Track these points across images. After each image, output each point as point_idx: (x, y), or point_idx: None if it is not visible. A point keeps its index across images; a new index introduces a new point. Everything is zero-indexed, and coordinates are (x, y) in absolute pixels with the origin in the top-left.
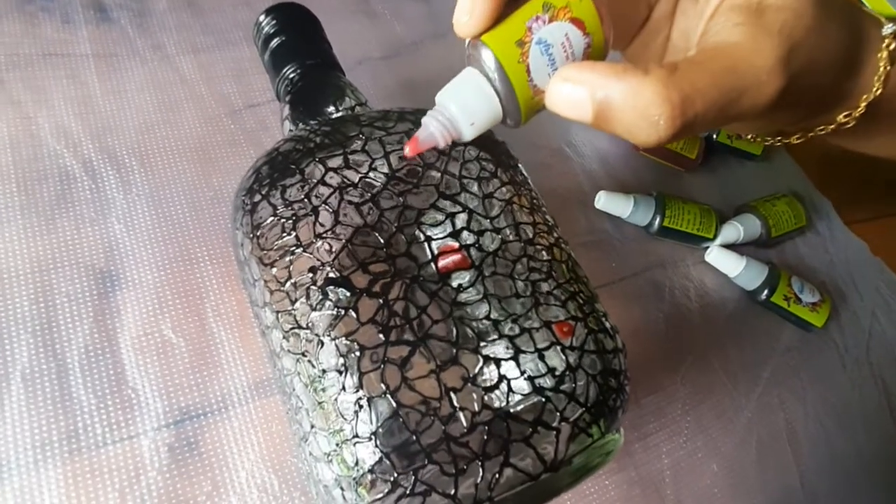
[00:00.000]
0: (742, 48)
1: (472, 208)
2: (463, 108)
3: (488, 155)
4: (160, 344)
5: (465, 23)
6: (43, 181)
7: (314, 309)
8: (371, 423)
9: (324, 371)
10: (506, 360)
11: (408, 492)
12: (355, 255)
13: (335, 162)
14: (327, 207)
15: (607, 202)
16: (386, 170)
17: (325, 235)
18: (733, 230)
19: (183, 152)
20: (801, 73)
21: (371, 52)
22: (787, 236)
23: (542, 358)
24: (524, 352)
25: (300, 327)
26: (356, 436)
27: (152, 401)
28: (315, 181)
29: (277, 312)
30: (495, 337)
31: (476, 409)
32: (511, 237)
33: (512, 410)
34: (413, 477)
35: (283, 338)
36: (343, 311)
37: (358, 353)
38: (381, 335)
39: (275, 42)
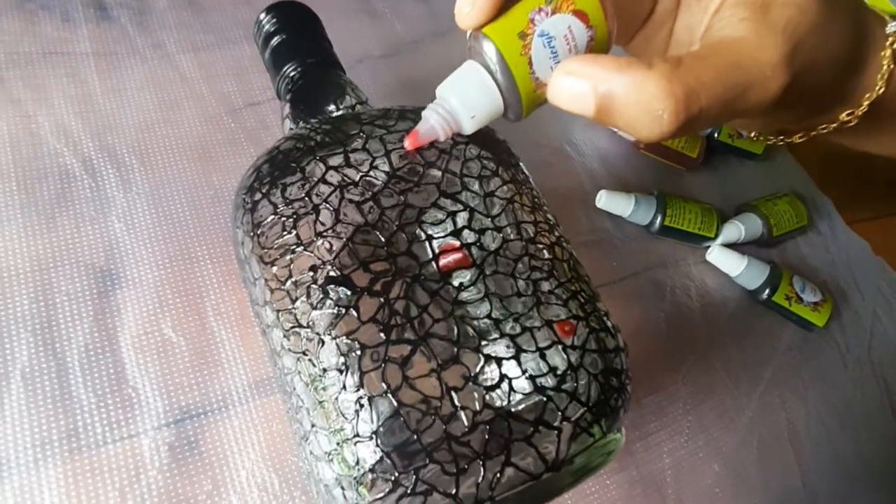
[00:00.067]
0: (747, 43)
1: (473, 207)
2: (464, 100)
3: (489, 153)
4: (160, 343)
5: (467, 14)
6: (43, 180)
7: (315, 308)
8: (372, 422)
9: (324, 370)
10: (507, 359)
11: (409, 491)
12: (356, 254)
13: (336, 160)
14: (328, 206)
15: (608, 201)
16: (387, 168)
17: (325, 234)
18: (734, 229)
19: (183, 151)
20: (805, 70)
21: (371, 51)
22: (788, 236)
23: (543, 357)
24: (525, 351)
25: (301, 326)
26: (357, 435)
27: (152, 400)
28: (316, 179)
29: (278, 311)
30: (496, 336)
31: (477, 408)
32: (512, 236)
33: (513, 409)
34: (414, 476)
35: (284, 336)
36: (344, 310)
37: (359, 352)
38: (381, 334)
39: (275, 40)
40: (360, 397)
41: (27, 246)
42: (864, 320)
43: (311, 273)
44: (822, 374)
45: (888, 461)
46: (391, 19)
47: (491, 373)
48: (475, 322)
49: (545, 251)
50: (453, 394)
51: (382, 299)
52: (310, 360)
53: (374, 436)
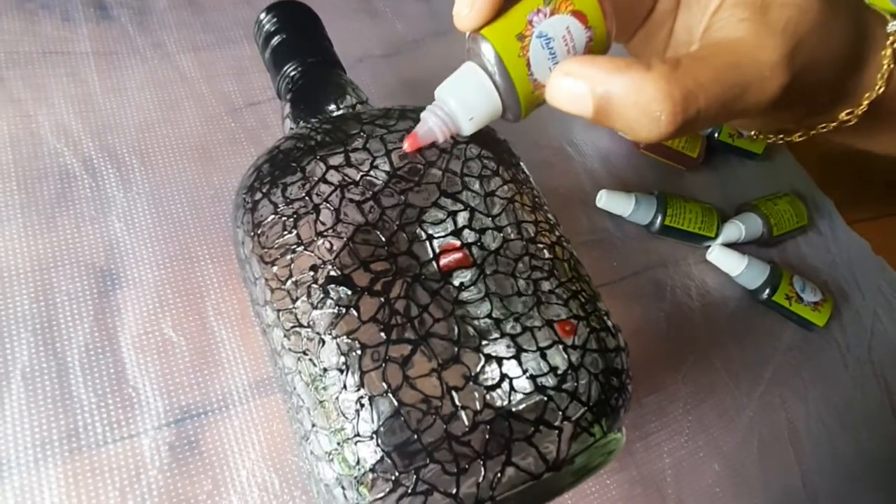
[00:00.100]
0: (746, 44)
1: (473, 206)
2: (462, 102)
3: (490, 153)
4: (161, 342)
5: (466, 16)
6: (43, 179)
7: (315, 307)
8: (372, 421)
9: (325, 370)
10: (507, 358)
11: (409, 491)
12: (356, 254)
13: (336, 160)
14: (328, 205)
15: (609, 201)
16: (387, 168)
17: (326, 233)
18: (735, 229)
19: (183, 150)
20: (805, 70)
21: (372, 50)
22: (788, 235)
23: (544, 357)
24: (526, 350)
25: (301, 326)
26: (357, 434)
27: (153, 399)
28: (316, 179)
29: (278, 311)
30: (497, 336)
31: (478, 407)
32: (513, 235)
33: (514, 409)
34: (414, 476)
35: (284, 336)
36: (344, 310)
37: (359, 352)
38: (382, 334)
39: (275, 40)
40: (361, 397)
41: (27, 245)
42: (864, 320)
43: (312, 273)
44: (822, 373)
45: (888, 461)
46: (392, 19)
47: (491, 372)
48: (476, 322)
49: (546, 251)
50: (454, 393)
51: (383, 299)
52: (310, 359)
53: (374, 435)
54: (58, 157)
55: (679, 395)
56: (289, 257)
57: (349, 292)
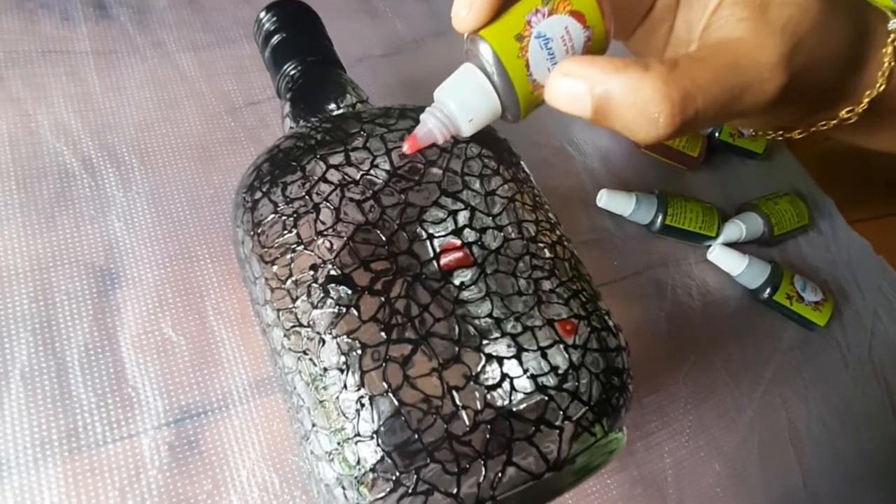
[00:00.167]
0: (745, 44)
1: (474, 206)
2: (461, 104)
3: (490, 152)
4: (160, 342)
5: (464, 17)
6: (42, 179)
7: (315, 307)
8: (373, 421)
9: (325, 369)
10: (508, 358)
11: (410, 491)
12: (357, 253)
13: (336, 159)
14: (328, 205)
15: (609, 200)
16: (387, 167)
17: (326, 233)
18: (735, 229)
19: (183, 150)
20: (805, 69)
21: (372, 50)
22: (789, 235)
23: (544, 356)
24: (527, 350)
25: (301, 325)
26: (358, 434)
27: (152, 399)
28: (316, 178)
29: (278, 310)
30: (497, 335)
31: (478, 407)
32: (513, 235)
33: (514, 409)
34: (415, 476)
35: (285, 336)
36: (344, 309)
37: (359, 352)
38: (382, 333)
39: (275, 39)
40: (361, 396)
41: (27, 245)
42: (865, 320)
43: (312, 272)
44: (823, 373)
45: (889, 461)
46: (392, 18)
47: (492, 372)
48: (476, 321)
49: (546, 250)
50: (454, 393)
51: (383, 298)
52: (310, 359)
53: (374, 435)
54: (57, 156)
55: (680, 395)
56: (289, 256)
57: (349, 292)
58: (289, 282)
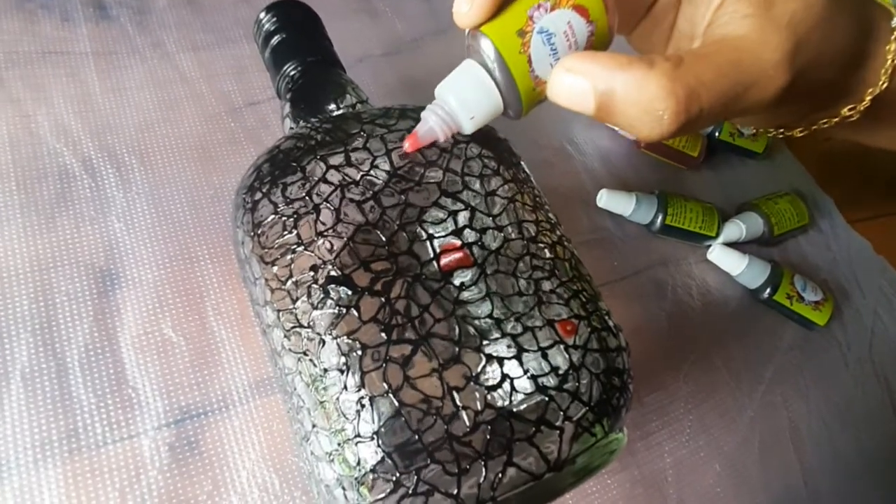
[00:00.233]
0: (749, 41)
1: (474, 206)
2: (462, 101)
3: (490, 152)
4: (160, 343)
5: (465, 13)
6: (42, 180)
7: (315, 307)
8: (373, 422)
9: (325, 370)
10: (508, 358)
11: (410, 491)
12: (357, 254)
13: (336, 159)
14: (328, 205)
15: (609, 200)
16: (387, 167)
17: (326, 233)
18: (735, 228)
19: (183, 150)
20: (808, 66)
21: (372, 50)
22: (789, 234)
23: (545, 356)
24: (527, 350)
25: (301, 326)
26: (358, 435)
27: (152, 400)
28: (316, 179)
29: (278, 311)
30: (498, 335)
31: (479, 408)
32: (513, 235)
33: (515, 409)
34: (415, 476)
35: (285, 336)
36: (344, 310)
37: (359, 352)
38: (382, 334)
39: (275, 39)
40: (362, 397)
41: (27, 246)
42: (865, 319)
43: (312, 273)
44: (823, 373)
45: (889, 460)
46: (392, 18)
47: (492, 372)
48: (476, 321)
49: (546, 250)
50: (455, 394)
51: (383, 299)
52: (310, 360)
53: (375, 436)
54: (57, 157)
55: (680, 395)
56: (289, 257)
57: (349, 292)
58: (289, 282)
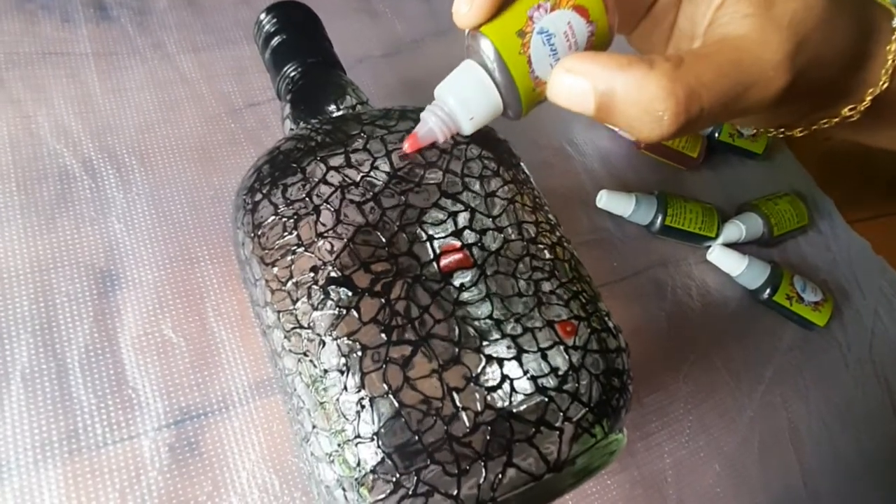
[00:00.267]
0: (750, 41)
1: (474, 207)
2: (462, 102)
3: (490, 153)
4: (160, 343)
5: (465, 13)
6: (43, 180)
7: (315, 308)
8: (373, 423)
9: (325, 371)
10: (508, 359)
11: (410, 492)
12: (357, 255)
13: (336, 161)
14: (329, 206)
15: (609, 201)
16: (387, 168)
17: (326, 234)
18: (735, 229)
19: (183, 151)
20: (809, 66)
21: (372, 51)
22: (789, 235)
23: (544, 357)
24: (527, 351)
25: (301, 327)
26: (358, 436)
27: (153, 401)
28: (316, 180)
29: (279, 312)
30: (497, 336)
31: (478, 408)
32: (513, 236)
33: (515, 410)
34: (415, 477)
35: (285, 337)
36: (345, 311)
37: (360, 353)
38: (382, 335)
39: (275, 40)
40: (362, 398)
41: (27, 247)
42: (865, 320)
43: (312, 274)
44: (823, 373)
45: (889, 460)
46: (391, 19)
47: (492, 373)
48: (476, 322)
49: (546, 251)
50: (454, 394)
51: (383, 300)
52: (311, 361)
53: (375, 437)
54: (57, 157)
55: (680, 395)
56: (289, 258)
57: (349, 293)
58: (289, 283)
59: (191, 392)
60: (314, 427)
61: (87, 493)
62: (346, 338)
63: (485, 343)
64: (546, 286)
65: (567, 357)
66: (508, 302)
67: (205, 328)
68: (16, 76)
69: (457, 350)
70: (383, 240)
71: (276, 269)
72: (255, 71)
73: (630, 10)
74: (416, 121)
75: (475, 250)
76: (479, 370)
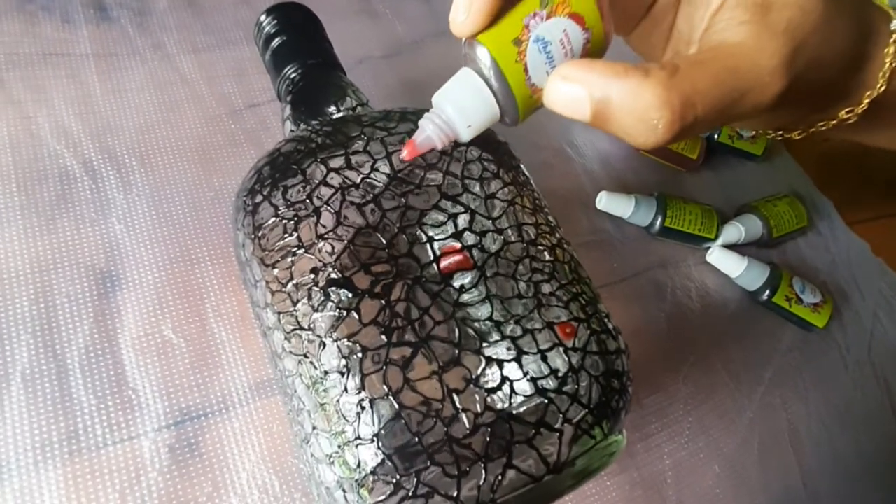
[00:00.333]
0: (745, 47)
1: (474, 209)
2: (460, 109)
3: (490, 155)
4: (161, 344)
5: (462, 22)
6: (43, 181)
7: (316, 310)
8: (373, 424)
9: (325, 372)
10: (508, 361)
11: (410, 493)
12: (357, 256)
13: (337, 162)
14: (329, 208)
15: (609, 202)
16: (388, 170)
17: (326, 236)
18: (735, 230)
19: (183, 152)
20: (807, 69)
21: (372, 52)
22: (788, 236)
23: (544, 359)
24: (526, 353)
25: (302, 328)
26: (358, 437)
27: (153, 401)
28: (317, 182)
29: (279, 313)
30: (497, 338)
31: (478, 410)
32: (513, 238)
33: (514, 412)
34: (415, 479)
35: (285, 339)
36: (345, 313)
37: (360, 355)
38: (383, 336)
39: (276, 42)
40: (362, 400)
41: (27, 247)
42: (864, 321)
43: (313, 275)
44: (822, 374)
45: (889, 461)
46: (392, 20)
47: (492, 375)
48: (476, 324)
49: (546, 253)
50: (454, 396)
51: (383, 301)
52: (311, 362)
53: (375, 438)
54: (58, 158)
55: (679, 396)
56: (289, 260)
57: (350, 295)
58: (289, 285)
59: (191, 393)
60: (314, 428)
61: (87, 493)
62: (346, 339)
63: (485, 345)
64: (546, 288)
65: (567, 359)
66: (508, 303)
67: (205, 329)
68: (16, 77)
69: (457, 352)
70: (383, 241)
71: (276, 271)
72: (256, 72)
73: (629, 11)
74: (416, 122)
75: (475, 252)
76: (478, 372)
